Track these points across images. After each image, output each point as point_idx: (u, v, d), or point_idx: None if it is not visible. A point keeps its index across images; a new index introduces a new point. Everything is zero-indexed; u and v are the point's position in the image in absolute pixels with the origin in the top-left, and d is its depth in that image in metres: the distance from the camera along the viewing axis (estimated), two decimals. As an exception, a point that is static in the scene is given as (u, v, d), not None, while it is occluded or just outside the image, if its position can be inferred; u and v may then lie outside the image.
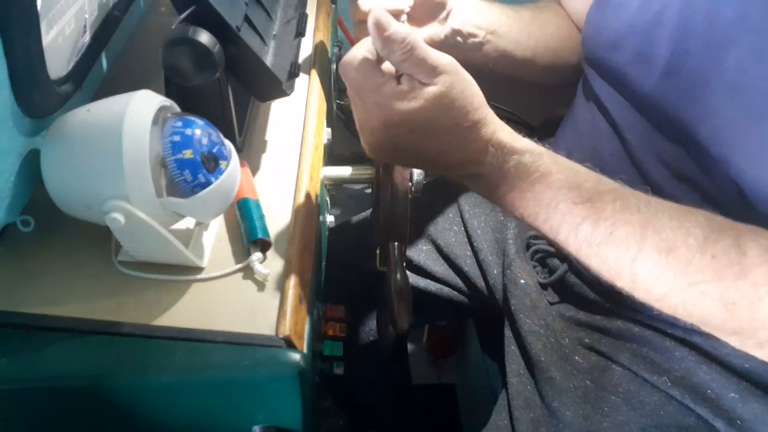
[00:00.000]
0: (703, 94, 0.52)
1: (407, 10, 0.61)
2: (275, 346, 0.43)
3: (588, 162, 0.57)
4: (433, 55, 0.44)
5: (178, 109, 0.47)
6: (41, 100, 0.43)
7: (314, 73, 0.68)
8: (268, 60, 0.54)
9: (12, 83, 0.40)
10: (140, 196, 0.42)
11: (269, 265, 0.48)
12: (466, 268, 0.78)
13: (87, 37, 0.53)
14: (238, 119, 0.56)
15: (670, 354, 0.60)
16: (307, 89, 0.65)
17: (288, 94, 0.55)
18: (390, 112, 0.44)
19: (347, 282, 0.82)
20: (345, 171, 0.62)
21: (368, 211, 0.87)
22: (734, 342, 0.45)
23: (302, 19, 0.60)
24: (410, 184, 0.56)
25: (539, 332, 0.67)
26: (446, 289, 0.80)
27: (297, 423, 0.46)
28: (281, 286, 0.47)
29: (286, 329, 0.44)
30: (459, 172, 0.49)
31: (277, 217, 0.52)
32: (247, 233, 0.49)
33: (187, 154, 0.42)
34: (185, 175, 0.42)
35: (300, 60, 0.57)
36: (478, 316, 0.93)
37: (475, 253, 0.78)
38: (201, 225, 0.50)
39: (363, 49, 0.45)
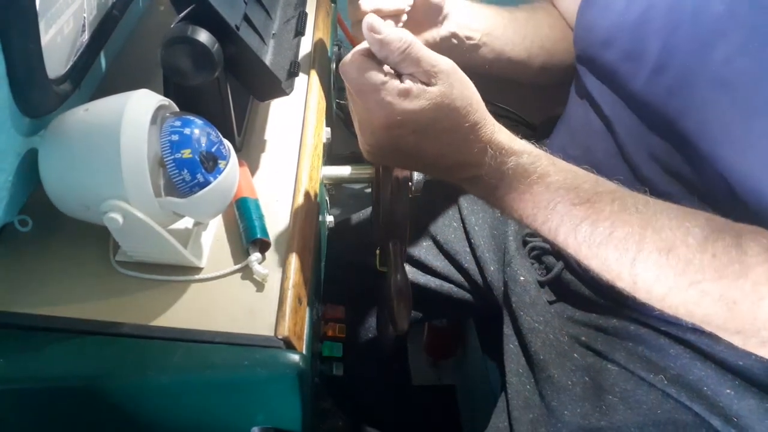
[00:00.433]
0: (691, 89, 0.52)
1: (407, 9, 0.61)
2: (274, 347, 0.43)
3: (582, 159, 0.58)
4: (430, 56, 0.45)
5: (176, 108, 0.46)
6: (39, 99, 0.43)
7: (314, 72, 0.68)
8: (268, 59, 0.54)
9: (10, 82, 0.40)
10: (138, 196, 0.41)
11: (268, 265, 0.48)
12: (465, 264, 0.78)
13: (86, 37, 0.52)
14: (237, 118, 0.55)
15: (665, 352, 0.60)
16: (307, 88, 0.65)
17: (287, 94, 0.54)
18: (393, 110, 0.44)
19: (347, 282, 0.81)
20: (344, 170, 0.61)
21: (368, 211, 0.87)
22: (737, 341, 0.45)
23: (302, 18, 0.60)
24: (410, 183, 0.55)
25: (538, 329, 0.67)
26: (446, 285, 0.80)
27: (296, 424, 0.46)
28: (280, 287, 0.47)
29: (285, 330, 0.44)
30: (458, 174, 0.49)
31: (276, 217, 0.52)
32: (246, 233, 0.49)
33: (186, 153, 0.42)
34: (184, 175, 0.42)
35: (299, 59, 0.57)
36: (478, 315, 0.93)
37: (473, 249, 0.78)
38: (199, 225, 0.49)
39: (364, 50, 0.45)
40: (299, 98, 0.64)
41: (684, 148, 0.53)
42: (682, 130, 0.52)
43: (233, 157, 0.45)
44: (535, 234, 0.71)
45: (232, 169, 0.45)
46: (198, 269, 0.48)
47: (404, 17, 0.61)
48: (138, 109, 0.42)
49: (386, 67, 0.45)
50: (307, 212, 0.53)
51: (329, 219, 0.69)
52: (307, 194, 0.54)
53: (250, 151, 0.58)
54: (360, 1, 0.59)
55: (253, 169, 0.57)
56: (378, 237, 0.58)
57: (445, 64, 0.45)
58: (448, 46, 0.71)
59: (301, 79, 0.65)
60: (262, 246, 0.49)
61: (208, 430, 0.46)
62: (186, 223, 0.48)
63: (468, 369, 1.16)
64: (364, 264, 0.81)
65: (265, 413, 0.45)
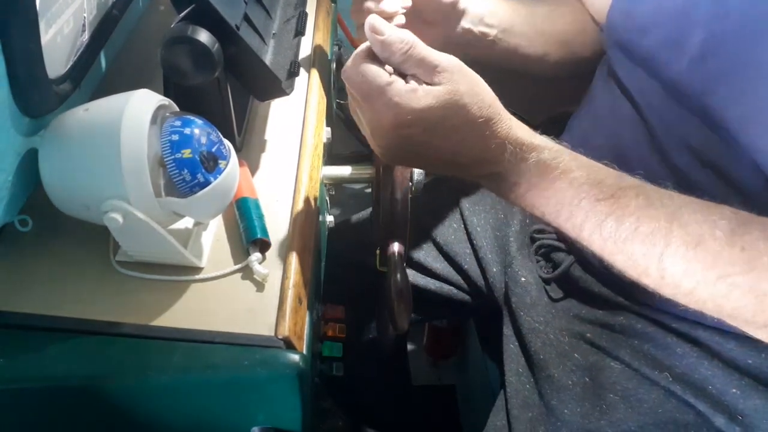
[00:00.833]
0: (735, 80, 0.50)
1: (402, 11, 0.60)
2: (274, 347, 0.43)
3: (606, 148, 0.57)
4: (433, 54, 0.44)
5: (176, 108, 0.46)
6: (39, 99, 0.43)
7: (314, 72, 0.68)
8: (268, 59, 0.54)
9: (10, 82, 0.40)
10: (139, 196, 0.41)
11: (268, 265, 0.48)
12: (465, 266, 0.78)
13: (86, 36, 0.52)
14: (237, 118, 0.55)
15: (671, 350, 0.60)
16: (307, 88, 0.65)
17: (287, 94, 0.54)
18: (400, 110, 0.44)
19: (347, 282, 0.81)
20: (345, 170, 0.61)
21: (368, 211, 0.87)
22: (763, 335, 0.45)
23: (302, 17, 0.60)
24: (410, 183, 0.55)
25: (538, 329, 0.66)
26: (446, 287, 0.80)
27: (296, 424, 0.45)
28: (280, 287, 0.47)
29: (285, 330, 0.44)
30: (476, 171, 0.48)
31: (276, 217, 0.52)
32: (246, 233, 0.49)
33: (186, 153, 0.42)
34: (184, 175, 0.42)
35: (299, 59, 0.57)
36: (478, 315, 0.93)
37: (474, 250, 0.78)
38: (200, 225, 0.49)
39: (364, 54, 0.45)
40: (299, 98, 0.64)
41: (722, 138, 0.52)
42: (722, 120, 0.51)
43: (233, 157, 0.45)
44: (543, 231, 0.71)
45: (232, 169, 0.45)
46: (198, 269, 0.47)
47: (401, 19, 0.61)
48: (138, 108, 0.42)
49: (389, 68, 0.45)
50: (307, 212, 0.53)
51: (329, 219, 0.69)
52: (307, 194, 0.54)
53: (250, 151, 0.58)
54: (366, 3, 0.59)
55: (253, 169, 0.56)
56: (378, 237, 0.58)
57: (448, 62, 0.45)
58: (463, 42, 0.71)
59: (301, 79, 0.65)
60: (262, 246, 0.49)
61: (208, 430, 0.46)
62: (186, 223, 0.48)
63: (468, 369, 1.16)
64: (364, 264, 0.81)
65: (265, 413, 0.45)
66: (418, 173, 0.56)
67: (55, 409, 0.44)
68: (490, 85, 0.48)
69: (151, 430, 0.45)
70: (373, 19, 0.44)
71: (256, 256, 0.47)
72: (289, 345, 0.44)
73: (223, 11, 0.48)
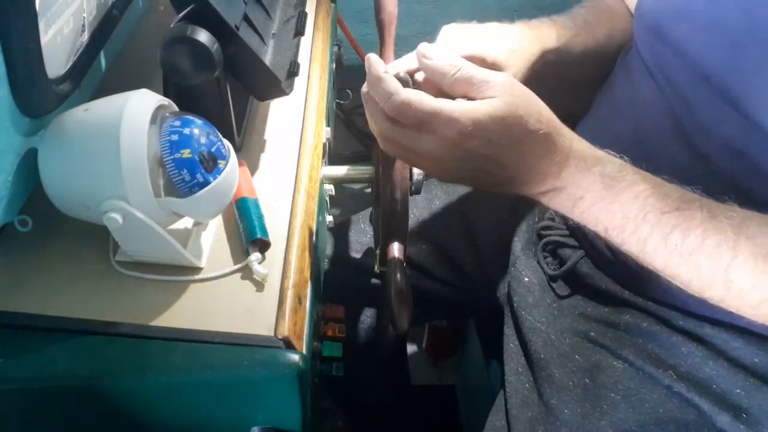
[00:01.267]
0: None
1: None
2: (274, 347, 0.43)
3: (625, 134, 0.55)
4: (482, 72, 0.45)
5: (176, 108, 0.46)
6: (39, 99, 0.43)
7: (314, 72, 0.68)
8: (267, 59, 0.54)
9: (10, 82, 0.40)
10: (138, 196, 0.41)
11: (268, 265, 0.48)
12: (467, 268, 0.78)
13: (85, 36, 0.52)
14: (237, 118, 0.55)
15: (676, 349, 0.60)
16: (307, 88, 0.65)
17: (287, 93, 0.54)
18: (461, 123, 0.44)
19: (347, 282, 0.81)
20: (344, 170, 0.61)
21: (368, 211, 0.87)
22: None
23: (302, 17, 0.60)
24: (410, 183, 0.55)
25: (540, 329, 0.66)
26: (446, 289, 0.80)
27: (296, 424, 0.46)
28: (280, 287, 0.47)
29: (285, 330, 0.44)
30: (538, 188, 0.48)
31: (276, 217, 0.52)
32: (246, 233, 0.49)
33: (186, 153, 0.42)
34: (183, 175, 0.42)
35: (299, 59, 0.57)
36: (478, 315, 0.93)
37: (478, 251, 0.78)
38: (199, 225, 0.49)
39: (394, 86, 0.45)
40: (299, 98, 0.64)
41: (753, 125, 0.51)
42: (755, 108, 0.50)
43: (233, 157, 0.45)
44: (550, 227, 0.71)
45: (231, 169, 0.45)
46: (198, 269, 0.48)
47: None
48: (138, 108, 0.42)
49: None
50: (306, 212, 0.53)
51: (329, 219, 0.69)
52: (306, 194, 0.54)
53: (250, 151, 0.58)
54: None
55: (253, 169, 0.56)
56: (378, 237, 0.58)
57: (498, 78, 0.45)
58: None
59: (301, 79, 0.65)
60: (262, 246, 0.49)
61: (208, 430, 0.46)
62: (186, 223, 0.48)
63: (468, 369, 1.15)
64: (364, 264, 0.81)
65: (265, 413, 0.45)
66: (417, 173, 0.56)
67: (55, 409, 0.44)
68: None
69: (150, 430, 0.45)
70: (422, 47, 0.46)
71: (255, 256, 0.47)
72: (288, 345, 0.44)
73: (223, 11, 0.48)
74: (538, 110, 0.46)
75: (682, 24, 0.57)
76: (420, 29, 1.09)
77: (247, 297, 0.46)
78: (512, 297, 0.70)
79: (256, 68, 0.52)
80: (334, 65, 0.82)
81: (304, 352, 0.44)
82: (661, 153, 0.57)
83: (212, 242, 0.50)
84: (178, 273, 0.47)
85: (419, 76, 0.56)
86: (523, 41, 0.64)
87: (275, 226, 0.51)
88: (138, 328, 0.43)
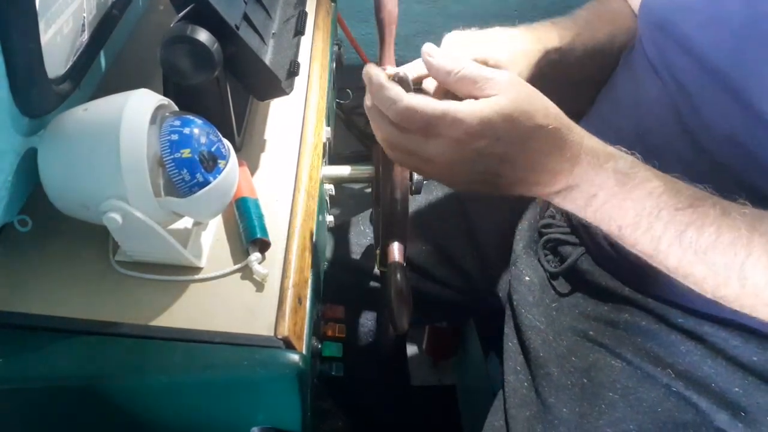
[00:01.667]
0: None
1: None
2: (274, 347, 0.43)
3: (629, 129, 0.55)
4: (485, 69, 0.45)
5: (176, 108, 0.46)
6: (39, 99, 0.43)
7: (314, 71, 0.68)
8: (267, 59, 0.54)
9: (10, 82, 0.40)
10: (138, 196, 0.41)
11: (268, 265, 0.48)
12: (467, 268, 0.78)
13: (85, 36, 0.52)
14: (237, 118, 0.55)
15: (675, 348, 0.60)
16: (307, 88, 0.65)
17: (287, 93, 0.54)
18: (467, 123, 0.43)
19: (347, 282, 0.81)
20: (344, 170, 0.61)
21: (368, 213, 0.87)
22: None
23: (302, 17, 0.60)
24: (410, 183, 0.55)
25: (539, 328, 0.66)
26: (447, 291, 0.80)
27: (296, 424, 0.45)
28: (280, 287, 0.47)
29: (285, 330, 0.44)
30: (550, 187, 0.47)
31: (276, 217, 0.52)
32: (246, 233, 0.49)
33: (185, 153, 0.42)
34: (183, 175, 0.42)
35: (299, 59, 0.57)
36: (478, 315, 0.92)
37: (480, 252, 0.77)
38: (199, 225, 0.49)
39: (396, 92, 0.45)
40: (299, 98, 0.64)
41: (759, 121, 0.50)
42: (760, 103, 0.50)
43: (233, 156, 0.45)
44: (551, 225, 0.71)
45: (231, 168, 0.45)
46: (198, 269, 0.47)
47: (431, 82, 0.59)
48: (137, 108, 0.42)
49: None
50: (306, 212, 0.53)
51: (329, 219, 0.69)
52: (306, 194, 0.54)
53: (250, 151, 0.58)
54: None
55: (253, 169, 0.56)
56: (378, 237, 0.58)
57: (502, 75, 0.44)
58: None
59: (301, 79, 0.65)
60: (262, 246, 0.49)
61: (208, 430, 0.46)
62: (186, 222, 0.48)
63: (468, 369, 1.15)
64: (364, 264, 0.81)
65: (265, 413, 0.45)
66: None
67: (55, 409, 0.44)
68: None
69: (150, 430, 0.45)
70: (426, 47, 0.46)
71: (255, 255, 0.47)
72: (288, 345, 0.44)
73: (223, 11, 0.48)
74: (544, 106, 0.45)
75: (687, 19, 0.56)
76: (420, 29, 1.09)
77: (247, 297, 0.46)
78: (512, 295, 0.70)
79: (256, 68, 0.52)
80: (334, 65, 0.82)
81: (304, 352, 0.44)
82: (665, 150, 0.57)
83: (212, 242, 0.50)
84: (178, 273, 0.47)
85: (428, 84, 0.56)
86: (525, 43, 0.64)
87: (275, 226, 0.51)
88: (138, 328, 0.43)
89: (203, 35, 0.47)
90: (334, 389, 0.88)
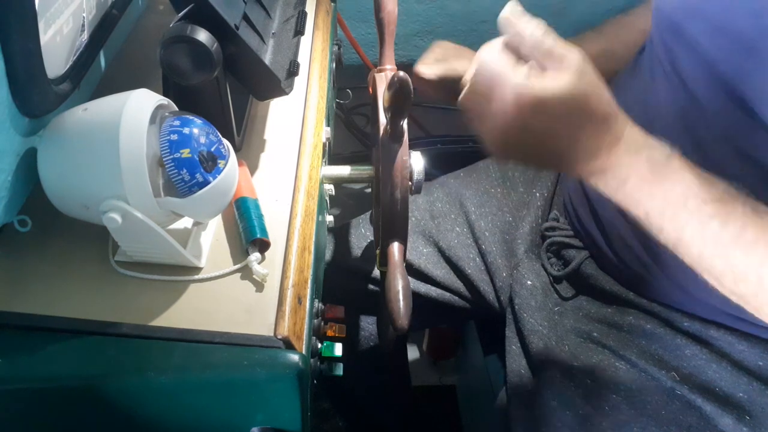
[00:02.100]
0: None
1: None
2: (274, 347, 0.43)
3: None
4: (561, 46, 0.46)
5: (175, 107, 0.46)
6: (39, 99, 0.43)
7: (314, 71, 0.68)
8: (267, 58, 0.54)
9: (9, 82, 0.40)
10: (137, 196, 0.41)
11: (268, 265, 0.48)
12: (468, 271, 0.77)
13: (85, 36, 0.52)
14: (237, 118, 0.55)
15: (680, 351, 0.60)
16: (306, 88, 0.65)
17: (287, 93, 0.54)
18: (526, 90, 0.45)
19: (347, 282, 0.81)
20: (344, 170, 0.61)
21: (368, 212, 0.87)
22: None
23: (301, 17, 0.60)
24: (410, 183, 0.55)
25: (542, 332, 0.66)
26: (447, 295, 0.80)
27: (296, 424, 0.45)
28: (280, 287, 0.47)
29: (285, 330, 0.44)
30: (586, 166, 0.49)
31: (276, 217, 0.52)
32: (246, 233, 0.49)
33: (185, 153, 0.42)
34: (183, 175, 0.42)
35: (299, 58, 0.57)
36: (479, 318, 0.92)
37: (482, 255, 0.77)
38: (199, 225, 0.49)
39: (497, 46, 0.47)
40: (299, 97, 0.64)
41: (765, 131, 0.51)
42: (764, 113, 0.50)
43: (232, 156, 0.45)
44: (554, 228, 0.71)
45: (231, 168, 0.45)
46: (197, 269, 0.47)
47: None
48: (137, 108, 0.42)
49: None
50: (306, 212, 0.53)
51: (329, 219, 0.69)
52: (306, 194, 0.54)
53: (249, 151, 0.58)
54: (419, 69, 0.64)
55: (253, 169, 0.56)
56: (378, 237, 0.58)
57: (575, 55, 0.46)
58: None
59: (300, 79, 0.65)
60: (262, 246, 0.49)
61: (208, 430, 0.46)
62: (185, 222, 0.48)
63: (468, 369, 1.15)
64: (364, 264, 0.81)
65: (265, 413, 0.45)
66: (417, 173, 0.55)
67: (55, 409, 0.44)
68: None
69: (150, 430, 0.45)
70: (508, 11, 0.47)
71: (255, 256, 0.47)
72: (288, 345, 0.44)
73: (222, 11, 0.48)
74: (601, 92, 0.47)
75: (697, 25, 0.57)
76: (420, 29, 1.09)
77: (246, 297, 0.46)
78: (514, 300, 0.70)
79: (256, 68, 0.52)
80: (334, 65, 0.82)
81: (304, 352, 0.44)
82: None
83: (212, 242, 0.50)
84: (178, 273, 0.47)
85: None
86: None
87: (275, 226, 0.51)
88: (137, 328, 0.43)
89: (203, 35, 0.47)
90: (334, 389, 0.88)
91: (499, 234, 0.77)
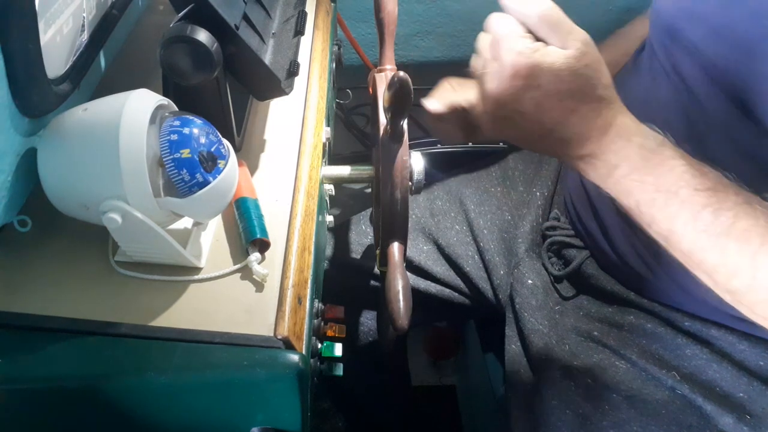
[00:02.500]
0: None
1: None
2: (274, 347, 0.43)
3: None
4: (568, 22, 0.46)
5: (175, 108, 0.46)
6: (39, 99, 0.43)
7: (313, 71, 0.68)
8: (267, 59, 0.54)
9: (9, 82, 0.40)
10: (137, 196, 0.41)
11: (268, 265, 0.48)
12: (467, 269, 0.78)
13: (85, 36, 0.52)
14: (237, 118, 0.55)
15: (681, 351, 0.60)
16: (306, 88, 0.65)
17: (287, 93, 0.54)
18: (523, 59, 0.45)
19: (347, 282, 0.81)
20: (344, 170, 0.61)
21: (368, 211, 0.87)
22: None
23: (301, 17, 0.60)
24: (410, 183, 0.55)
25: (542, 331, 0.66)
26: (447, 291, 0.80)
27: (296, 424, 0.45)
28: (280, 287, 0.47)
29: (285, 330, 0.44)
30: (575, 150, 0.48)
31: (275, 217, 0.52)
32: (246, 233, 0.49)
33: (185, 153, 0.42)
34: (183, 175, 0.42)
35: (299, 59, 0.57)
36: (479, 317, 0.92)
37: (480, 253, 0.77)
38: (199, 225, 0.49)
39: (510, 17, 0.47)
40: (299, 98, 0.64)
41: (764, 131, 0.51)
42: (765, 114, 0.50)
43: (232, 156, 0.45)
44: (555, 227, 0.71)
45: (231, 168, 0.45)
46: (197, 269, 0.47)
47: None
48: (137, 108, 0.42)
49: None
50: (306, 212, 0.53)
51: (329, 219, 0.69)
52: (306, 194, 0.54)
53: (249, 151, 0.58)
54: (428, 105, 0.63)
55: (253, 169, 0.56)
56: (378, 237, 0.58)
57: (582, 33, 0.45)
58: None
59: (300, 79, 0.65)
60: (262, 246, 0.49)
61: (208, 430, 0.46)
62: (185, 223, 0.48)
63: (468, 369, 1.15)
64: (364, 264, 0.81)
65: (265, 413, 0.45)
66: (417, 173, 0.55)
67: (55, 409, 0.44)
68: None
69: (150, 431, 0.45)
70: None
71: (255, 256, 0.47)
72: (288, 345, 0.44)
73: (223, 11, 0.48)
74: (600, 75, 0.46)
75: (694, 27, 0.57)
76: (420, 29, 1.09)
77: (246, 297, 0.46)
78: (514, 299, 0.70)
79: (256, 68, 0.52)
80: (334, 65, 0.82)
81: (304, 352, 0.44)
82: None
83: (212, 242, 0.50)
84: (178, 273, 0.47)
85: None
86: None
87: (275, 226, 0.51)
88: (137, 328, 0.43)
89: (203, 35, 0.47)
90: (334, 389, 0.88)
91: (497, 232, 0.77)
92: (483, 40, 0.48)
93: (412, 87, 0.46)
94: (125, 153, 0.40)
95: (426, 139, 1.04)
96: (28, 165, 0.44)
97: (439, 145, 1.03)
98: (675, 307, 0.61)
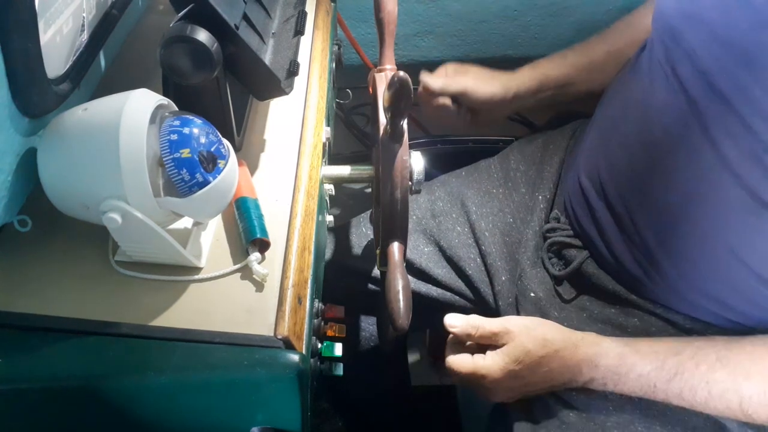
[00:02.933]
0: None
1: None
2: (274, 347, 0.43)
3: (635, 135, 0.61)
4: (494, 325, 0.60)
5: (175, 107, 0.46)
6: (39, 99, 0.43)
7: (313, 71, 0.68)
8: (267, 58, 0.54)
9: (9, 82, 0.40)
10: (137, 196, 0.41)
11: (268, 265, 0.48)
12: (469, 271, 0.77)
13: (85, 36, 0.52)
14: (237, 118, 0.55)
15: None
16: (306, 88, 0.65)
17: (287, 93, 0.54)
18: (496, 371, 0.60)
19: (347, 282, 0.81)
20: (344, 170, 0.61)
21: (368, 212, 0.87)
22: None
23: (301, 17, 0.60)
24: (410, 183, 0.55)
25: None
26: (448, 294, 0.79)
27: (296, 424, 0.45)
28: (280, 287, 0.47)
29: (285, 330, 0.44)
30: (574, 384, 0.60)
31: (275, 217, 0.52)
32: (246, 233, 0.49)
33: (185, 153, 0.42)
34: (183, 175, 0.42)
35: (299, 58, 0.57)
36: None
37: (483, 257, 0.77)
38: (199, 225, 0.49)
39: (449, 349, 0.65)
40: (299, 97, 0.64)
41: (763, 143, 0.51)
42: (762, 120, 0.50)
43: (232, 156, 0.45)
44: (555, 229, 0.71)
45: (231, 168, 0.45)
46: (197, 269, 0.47)
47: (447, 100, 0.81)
48: (137, 108, 0.42)
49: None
50: (306, 212, 0.53)
51: (329, 219, 0.69)
52: (306, 194, 0.54)
53: (249, 151, 0.58)
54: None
55: (253, 169, 0.56)
56: (378, 237, 0.58)
57: (502, 326, 0.60)
58: (519, 108, 0.86)
59: (300, 79, 0.65)
60: (262, 246, 0.49)
61: (208, 430, 0.46)
62: (185, 222, 0.48)
63: (468, 369, 1.15)
64: (364, 264, 0.81)
65: (265, 413, 0.45)
66: (417, 173, 0.55)
67: (55, 409, 0.44)
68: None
69: (150, 430, 0.45)
70: (448, 319, 0.63)
71: (255, 255, 0.47)
72: (288, 345, 0.44)
73: (222, 11, 0.48)
74: (542, 338, 0.59)
75: (695, 31, 0.57)
76: (420, 29, 1.09)
77: (246, 297, 0.46)
78: (520, 313, 0.70)
79: (256, 68, 0.52)
80: (334, 65, 0.82)
81: (304, 352, 0.44)
82: (668, 156, 0.57)
83: (212, 242, 0.50)
84: (178, 273, 0.47)
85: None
86: (519, 78, 0.81)
87: (275, 226, 0.51)
88: (137, 328, 0.43)
89: (203, 35, 0.47)
90: (334, 389, 0.88)
91: (499, 235, 0.77)
92: (457, 380, 0.63)
93: (412, 87, 0.46)
94: (125, 153, 0.40)
95: (426, 139, 1.04)
96: (28, 165, 0.44)
97: (439, 145, 1.03)
98: (674, 309, 0.61)
